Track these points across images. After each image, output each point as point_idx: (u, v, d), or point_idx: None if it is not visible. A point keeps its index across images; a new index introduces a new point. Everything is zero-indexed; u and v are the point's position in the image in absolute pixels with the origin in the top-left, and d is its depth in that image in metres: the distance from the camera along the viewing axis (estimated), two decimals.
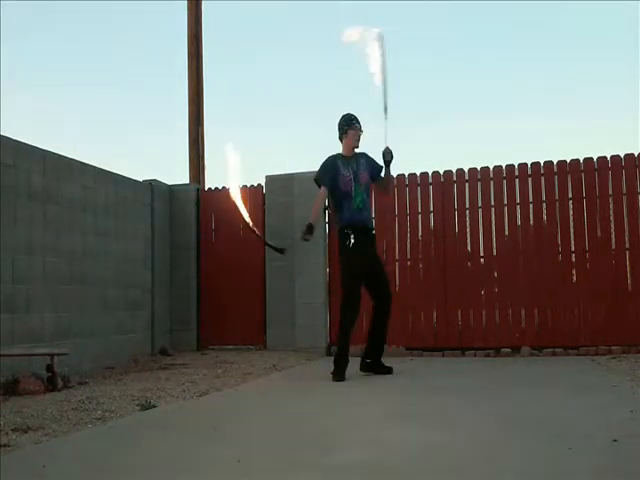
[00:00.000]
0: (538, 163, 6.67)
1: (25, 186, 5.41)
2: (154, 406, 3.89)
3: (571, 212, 6.49)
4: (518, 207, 6.65)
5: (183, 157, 8.85)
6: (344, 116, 5.16)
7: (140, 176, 7.35)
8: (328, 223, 7.12)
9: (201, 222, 7.76)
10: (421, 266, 6.92)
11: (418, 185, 6.99)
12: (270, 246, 6.00)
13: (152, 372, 5.68)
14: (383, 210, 6.96)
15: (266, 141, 16.31)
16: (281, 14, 15.75)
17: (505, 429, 2.98)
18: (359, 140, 5.15)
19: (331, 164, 5.09)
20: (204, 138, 8.88)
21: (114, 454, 2.76)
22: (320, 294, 7.07)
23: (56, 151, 5.85)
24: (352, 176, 5.04)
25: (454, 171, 6.90)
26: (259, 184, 7.55)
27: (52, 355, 4.81)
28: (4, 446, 2.89)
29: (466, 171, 6.86)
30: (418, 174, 7.01)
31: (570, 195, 6.51)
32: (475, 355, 6.36)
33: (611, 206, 6.37)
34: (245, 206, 5.74)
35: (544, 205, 6.57)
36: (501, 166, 6.77)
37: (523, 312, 6.51)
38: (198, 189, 8.00)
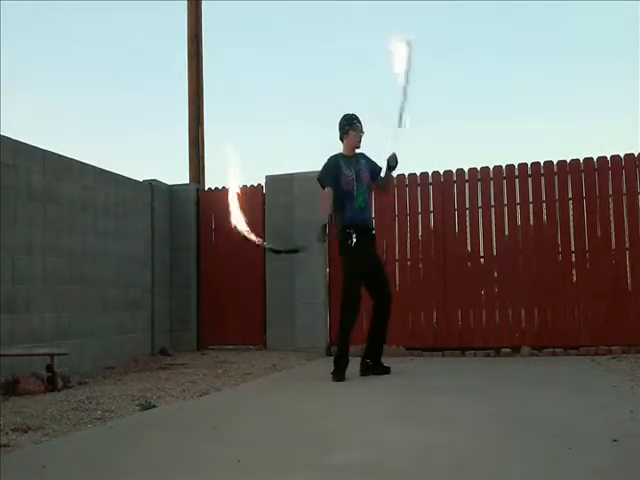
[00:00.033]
0: (538, 163, 6.67)
1: (25, 186, 5.41)
2: (154, 406, 3.89)
3: (571, 212, 6.49)
4: (518, 207, 6.65)
5: (183, 157, 8.86)
6: (346, 116, 5.16)
7: (140, 176, 7.37)
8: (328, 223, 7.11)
9: (201, 222, 7.76)
10: (421, 266, 6.92)
11: (418, 185, 6.99)
12: (280, 251, 5.97)
13: (152, 372, 5.68)
14: (383, 210, 6.96)
15: (266, 141, 16.31)
16: (281, 14, 15.75)
17: (505, 429, 2.98)
18: (360, 141, 5.16)
19: (334, 164, 5.08)
20: (204, 138, 8.88)
21: (114, 454, 2.76)
22: (320, 294, 7.07)
23: (56, 151, 5.86)
24: (354, 176, 5.04)
25: (454, 171, 6.90)
26: (259, 184, 7.55)
27: (52, 355, 4.81)
28: (4, 446, 2.89)
29: (466, 171, 6.86)
30: (418, 174, 7.01)
31: (570, 195, 6.51)
32: (475, 355, 6.36)
33: (611, 206, 6.37)
34: (243, 211, 5.66)
35: (544, 205, 6.57)
36: (501, 166, 6.77)
37: (523, 312, 6.51)
38: (198, 189, 8.01)
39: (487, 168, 6.81)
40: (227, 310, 7.44)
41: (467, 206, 6.79)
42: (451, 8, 14.45)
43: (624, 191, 6.34)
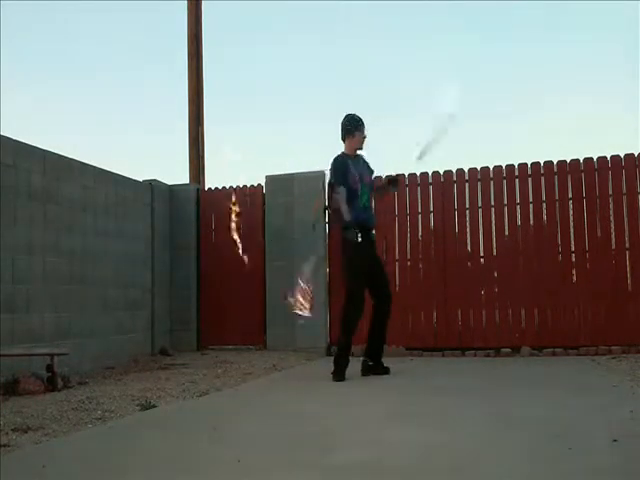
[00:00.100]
0: (538, 163, 6.67)
1: (25, 186, 5.41)
2: (154, 406, 3.90)
3: (571, 212, 6.49)
4: (518, 207, 6.65)
5: (183, 157, 8.87)
6: (351, 117, 5.16)
7: (140, 176, 7.37)
8: (328, 223, 7.12)
9: (201, 222, 7.76)
10: (421, 266, 6.92)
11: (418, 185, 6.99)
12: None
13: (152, 372, 5.68)
14: (383, 210, 6.96)
15: (266, 141, 16.30)
16: (281, 14, 15.74)
17: (505, 429, 2.98)
18: (363, 142, 5.18)
19: (344, 163, 5.10)
20: (204, 138, 8.88)
21: (114, 454, 2.76)
22: (320, 294, 7.06)
23: (56, 151, 5.86)
24: (359, 176, 5.07)
25: (454, 171, 6.90)
26: (259, 184, 7.56)
27: (52, 355, 4.81)
28: (4, 446, 2.90)
29: (466, 171, 6.86)
30: (418, 174, 7.01)
31: (570, 195, 6.51)
32: (475, 355, 6.36)
33: (611, 206, 6.37)
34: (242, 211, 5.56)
35: (544, 205, 6.57)
36: (501, 166, 6.77)
37: (523, 312, 6.51)
38: (198, 189, 8.01)
39: (487, 168, 6.81)
40: (227, 310, 7.44)
41: (467, 206, 6.79)
42: (451, 8, 14.43)
43: (624, 191, 6.34)
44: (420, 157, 4.91)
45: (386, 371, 5.06)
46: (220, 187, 7.82)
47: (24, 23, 15.80)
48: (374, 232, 5.31)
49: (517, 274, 6.57)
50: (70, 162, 6.03)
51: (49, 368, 4.74)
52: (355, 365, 5.00)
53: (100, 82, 15.87)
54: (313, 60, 16.50)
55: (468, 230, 6.77)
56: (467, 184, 6.84)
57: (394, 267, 6.86)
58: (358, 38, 16.05)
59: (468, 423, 3.14)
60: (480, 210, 6.74)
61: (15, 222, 5.26)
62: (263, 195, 7.50)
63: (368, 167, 5.24)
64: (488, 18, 14.87)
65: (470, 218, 6.77)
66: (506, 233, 6.70)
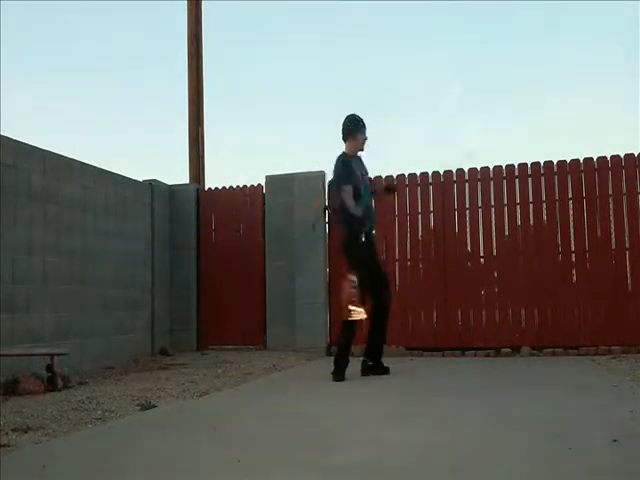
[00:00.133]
0: (538, 163, 6.67)
1: (25, 186, 5.41)
2: (154, 406, 3.90)
3: (571, 212, 6.49)
4: (518, 207, 6.65)
5: (183, 157, 8.86)
6: (354, 119, 5.16)
7: (140, 176, 7.37)
8: (328, 223, 7.12)
9: (201, 222, 7.76)
10: (421, 266, 6.92)
11: (418, 185, 6.99)
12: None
13: (152, 372, 5.68)
14: (383, 210, 6.95)
15: (266, 141, 16.30)
16: (281, 14, 15.74)
17: (505, 429, 2.98)
18: (364, 144, 5.19)
19: (348, 162, 5.11)
20: (204, 138, 8.88)
21: (114, 454, 2.76)
22: (320, 294, 7.07)
23: (56, 151, 5.86)
24: (360, 176, 5.10)
25: (454, 171, 6.90)
26: (259, 184, 7.55)
27: (52, 355, 4.81)
28: (4, 446, 2.90)
29: (466, 171, 6.86)
30: (418, 174, 7.01)
31: (570, 195, 6.51)
32: (475, 355, 6.36)
33: (611, 206, 6.37)
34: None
35: (544, 205, 6.57)
36: (501, 166, 6.77)
37: (523, 312, 6.51)
38: (198, 189, 8.01)
39: (487, 168, 6.81)
40: (227, 310, 7.44)
41: (467, 206, 6.79)
42: (451, 8, 14.43)
43: (624, 191, 6.34)
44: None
45: (386, 371, 5.06)
46: (220, 187, 7.82)
47: (24, 23, 15.79)
48: (374, 232, 5.32)
49: (517, 274, 6.57)
50: (70, 162, 6.03)
51: (49, 368, 4.74)
52: (355, 365, 5.00)
53: (100, 82, 15.88)
54: (313, 60, 16.50)
55: (468, 230, 6.77)
56: (467, 184, 6.84)
57: (394, 267, 6.86)
58: (358, 38, 16.06)
59: (468, 423, 3.14)
60: (480, 210, 6.74)
61: (15, 222, 5.26)
62: (263, 195, 7.50)
63: (366, 169, 5.27)
64: (488, 18, 14.87)
65: (470, 218, 6.77)
66: (506, 233, 6.70)
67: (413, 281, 6.89)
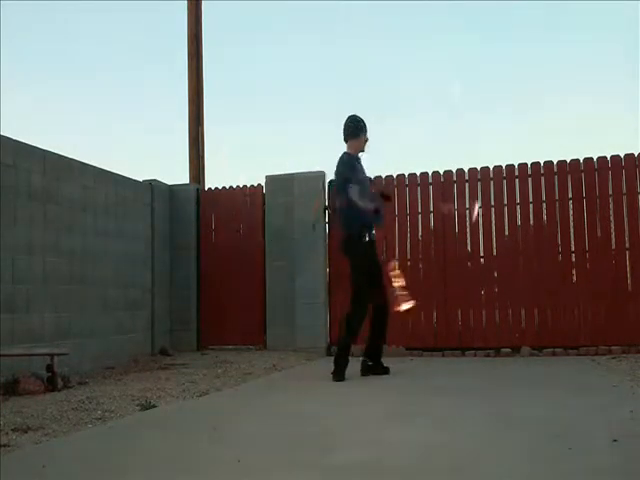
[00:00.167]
0: (538, 163, 6.67)
1: (25, 186, 5.41)
2: (154, 406, 3.90)
3: (571, 212, 6.49)
4: (518, 207, 6.65)
5: (183, 157, 8.86)
6: (356, 120, 5.17)
7: (140, 176, 7.37)
8: (328, 223, 7.12)
9: (201, 222, 7.76)
10: (421, 266, 6.92)
11: (418, 185, 6.99)
12: None
13: (152, 372, 5.68)
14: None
15: (266, 141, 16.30)
16: (281, 14, 15.74)
17: (505, 429, 2.98)
18: (365, 145, 5.21)
19: (353, 162, 5.13)
20: (204, 138, 8.88)
21: (114, 454, 2.76)
22: (320, 294, 7.07)
23: (56, 151, 5.86)
24: (362, 177, 5.12)
25: (454, 171, 6.90)
26: (259, 184, 7.55)
27: (52, 355, 4.81)
28: (4, 446, 2.90)
29: (466, 171, 6.86)
30: (418, 174, 7.01)
31: (570, 195, 6.51)
32: (475, 355, 6.36)
33: (611, 206, 6.37)
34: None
35: (544, 205, 6.57)
36: (501, 166, 6.77)
37: (523, 312, 6.51)
38: (198, 189, 8.01)
39: (487, 168, 6.81)
40: (227, 310, 7.44)
41: (467, 206, 6.79)
42: (451, 8, 14.43)
43: (624, 191, 6.34)
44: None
45: (386, 371, 5.06)
46: (220, 187, 7.82)
47: (24, 23, 15.79)
48: (374, 232, 5.32)
49: (517, 274, 6.57)
50: (70, 162, 6.03)
51: (49, 368, 4.74)
52: (355, 365, 5.00)
53: (100, 82, 15.87)
54: (313, 60, 16.50)
55: (468, 230, 6.77)
56: (467, 184, 6.84)
57: (394, 267, 6.84)
58: (358, 38, 16.05)
59: (468, 423, 3.14)
60: (480, 210, 6.74)
61: (15, 222, 5.26)
62: (263, 195, 7.50)
63: (364, 169, 5.29)
64: (488, 18, 14.86)
65: (470, 218, 6.76)
66: (506, 233, 6.70)
67: (413, 281, 6.88)
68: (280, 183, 7.39)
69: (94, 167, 6.38)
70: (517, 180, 6.69)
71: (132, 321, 6.86)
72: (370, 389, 4.51)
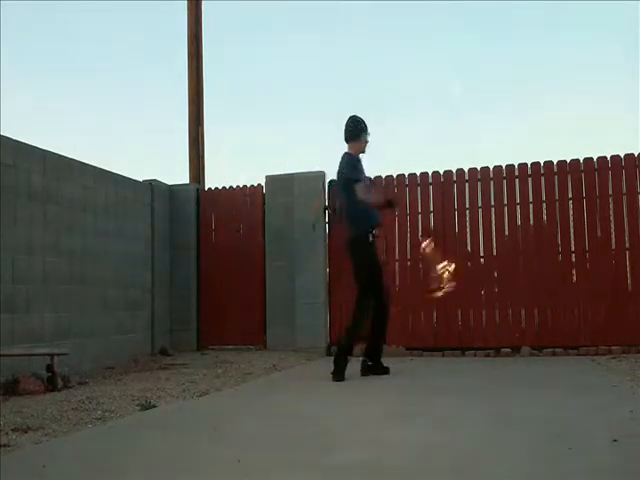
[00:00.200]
0: (538, 163, 6.67)
1: (25, 186, 5.41)
2: (154, 406, 3.90)
3: (571, 212, 6.49)
4: (518, 207, 6.65)
5: (183, 157, 8.86)
6: (359, 121, 5.18)
7: (140, 176, 7.36)
8: (328, 223, 7.12)
9: (201, 222, 7.76)
10: (421, 266, 6.91)
11: (418, 185, 6.99)
12: None
13: (152, 372, 5.68)
14: (383, 210, 6.95)
15: (266, 141, 16.31)
16: (281, 14, 15.74)
17: (505, 429, 2.98)
18: (366, 147, 5.23)
19: (357, 163, 5.15)
20: (204, 138, 8.88)
21: (114, 454, 2.76)
22: (320, 294, 7.06)
23: (56, 151, 5.86)
24: (365, 177, 5.16)
25: (454, 171, 6.90)
26: (259, 184, 7.55)
27: (52, 355, 4.81)
28: (4, 446, 2.90)
29: (466, 171, 6.86)
30: (418, 174, 7.01)
31: (570, 195, 6.51)
32: (475, 355, 6.36)
33: (611, 206, 6.37)
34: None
35: (544, 205, 6.57)
36: (501, 166, 6.77)
37: (523, 312, 6.51)
38: (198, 189, 8.01)
39: (487, 168, 6.81)
40: (227, 310, 7.44)
41: (467, 206, 6.79)
42: (451, 8, 14.43)
43: (624, 191, 6.34)
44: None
45: (386, 371, 5.06)
46: (220, 187, 7.82)
47: (24, 23, 15.79)
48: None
49: (517, 274, 6.57)
50: (70, 162, 6.03)
51: (49, 368, 4.74)
52: (355, 365, 4.99)
53: (100, 82, 15.87)
54: (313, 60, 16.50)
55: (468, 230, 6.77)
56: (467, 184, 6.83)
57: (394, 267, 6.86)
58: (358, 38, 16.05)
59: (468, 423, 3.14)
60: (480, 210, 6.74)
61: (15, 222, 5.26)
62: (263, 195, 7.49)
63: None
64: (488, 18, 14.87)
65: (470, 218, 6.77)
66: (506, 233, 6.70)
67: (413, 281, 6.89)
68: (280, 183, 7.39)
69: (94, 167, 6.38)
70: (517, 180, 6.68)
71: (132, 321, 6.86)
72: (370, 389, 4.51)
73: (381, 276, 5.16)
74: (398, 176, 7.05)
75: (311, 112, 17.44)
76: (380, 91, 15.25)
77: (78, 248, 6.01)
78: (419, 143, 15.41)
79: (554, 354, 6.13)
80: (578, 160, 6.54)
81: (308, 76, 16.45)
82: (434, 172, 6.95)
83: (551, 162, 6.63)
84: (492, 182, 6.76)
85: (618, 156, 6.43)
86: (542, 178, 6.62)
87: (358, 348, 5.27)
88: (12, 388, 4.49)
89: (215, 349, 7.33)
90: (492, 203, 6.73)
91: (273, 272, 7.26)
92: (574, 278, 6.47)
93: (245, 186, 7.63)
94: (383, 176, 7.08)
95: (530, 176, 6.66)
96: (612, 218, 6.35)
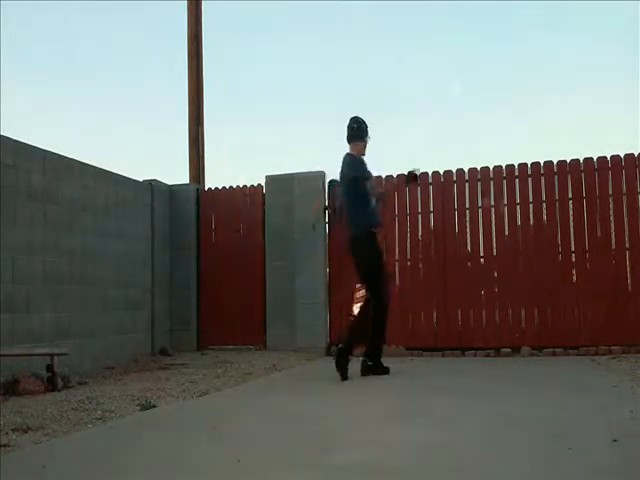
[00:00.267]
0: (538, 163, 6.67)
1: (25, 186, 5.41)
2: (154, 406, 3.90)
3: (571, 212, 6.49)
4: (518, 207, 6.65)
5: (183, 157, 8.86)
6: (362, 122, 5.20)
7: (140, 176, 7.36)
8: (328, 223, 7.12)
9: (201, 222, 7.76)
10: (421, 266, 6.92)
11: (418, 185, 6.98)
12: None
13: (152, 372, 5.68)
14: (383, 210, 6.95)
15: (266, 141, 16.31)
16: (281, 14, 15.75)
17: (505, 429, 2.98)
18: (366, 148, 5.25)
19: (365, 162, 5.18)
20: (204, 138, 8.87)
21: (114, 454, 2.76)
22: (320, 294, 7.06)
23: (56, 151, 5.86)
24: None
25: (454, 171, 6.90)
26: (259, 184, 7.55)
27: (52, 355, 4.81)
28: (4, 446, 2.90)
29: (466, 171, 6.86)
30: (418, 174, 6.99)
31: (570, 195, 6.51)
32: (475, 355, 6.36)
33: (611, 206, 6.37)
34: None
35: (544, 205, 6.57)
36: (501, 166, 6.77)
37: (523, 312, 6.51)
38: (198, 189, 8.01)
39: (487, 168, 6.81)
40: (227, 310, 7.44)
41: (467, 206, 6.79)
42: (451, 8, 14.44)
43: (624, 191, 6.34)
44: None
45: (386, 371, 5.06)
46: (220, 187, 7.82)
47: (24, 23, 15.79)
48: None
49: (517, 274, 6.57)
50: (70, 162, 6.02)
51: (49, 368, 4.74)
52: (355, 365, 4.99)
53: (100, 82, 15.87)
54: (313, 60, 16.50)
55: (468, 230, 6.77)
56: (467, 184, 6.83)
57: (394, 267, 6.85)
58: (358, 38, 16.06)
59: (468, 423, 3.14)
60: (480, 210, 6.74)
61: (15, 222, 5.26)
62: (263, 195, 7.49)
63: None
64: (488, 18, 14.87)
65: (470, 218, 6.77)
66: (506, 233, 6.70)
67: (413, 281, 6.89)
68: (280, 183, 7.39)
69: (94, 167, 6.38)
70: (517, 180, 6.68)
71: (132, 321, 6.85)
72: (370, 389, 4.51)
73: (382, 276, 5.17)
74: (398, 176, 7.04)
75: (311, 112, 17.44)
76: (380, 91, 15.26)
77: (78, 248, 6.01)
78: (419, 143, 15.42)
79: (554, 354, 6.13)
80: (578, 160, 6.54)
81: (308, 76, 16.46)
82: (434, 172, 6.95)
83: (551, 162, 6.63)
84: (492, 182, 6.76)
85: (618, 156, 6.43)
86: (542, 178, 6.62)
87: (358, 348, 5.27)
88: (12, 388, 4.49)
89: (215, 349, 7.33)
90: (492, 203, 6.72)
91: (273, 272, 7.26)
92: (574, 278, 6.47)
93: (245, 186, 7.63)
94: (383, 176, 7.07)
95: (530, 176, 6.66)
96: (612, 218, 6.35)
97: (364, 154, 5.24)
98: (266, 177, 7.50)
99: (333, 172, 5.55)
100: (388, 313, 5.15)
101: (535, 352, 6.18)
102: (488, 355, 6.31)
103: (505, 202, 6.69)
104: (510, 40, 15.65)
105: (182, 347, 7.39)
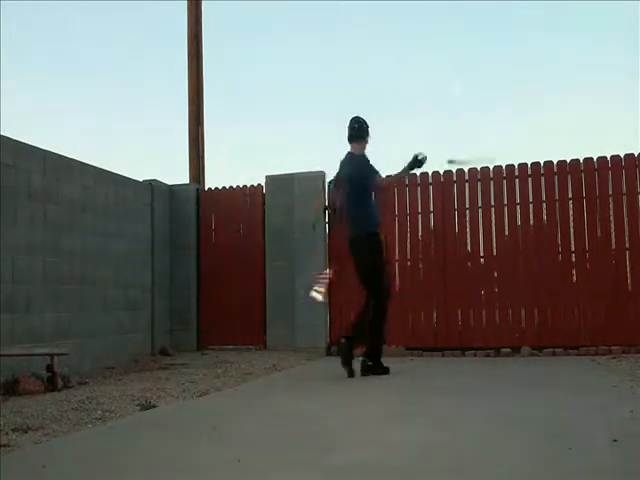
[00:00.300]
0: (538, 163, 6.67)
1: (25, 186, 5.41)
2: (154, 406, 3.90)
3: (571, 212, 6.49)
4: (518, 207, 6.65)
5: (183, 157, 8.86)
6: (363, 122, 5.21)
7: (140, 176, 7.37)
8: (328, 223, 7.12)
9: (201, 222, 7.76)
10: (421, 266, 6.92)
11: (418, 185, 6.98)
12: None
13: (152, 372, 5.68)
14: (383, 210, 6.95)
15: (266, 141, 16.31)
16: (281, 14, 15.74)
17: (505, 429, 2.98)
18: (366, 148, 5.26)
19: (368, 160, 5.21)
20: (204, 138, 8.87)
21: (114, 454, 2.76)
22: None
23: (56, 151, 5.86)
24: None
25: (454, 171, 6.89)
26: (259, 184, 7.55)
27: (52, 355, 4.81)
28: (4, 446, 2.89)
29: (466, 171, 6.86)
30: (418, 174, 6.99)
31: (570, 195, 6.51)
32: (475, 355, 6.36)
33: (611, 206, 6.37)
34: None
35: (544, 205, 6.57)
36: (501, 166, 6.77)
37: (523, 312, 6.51)
38: (198, 189, 8.01)
39: (487, 168, 6.81)
40: (227, 310, 7.44)
41: (467, 206, 6.79)
42: (451, 8, 14.43)
43: (624, 191, 6.34)
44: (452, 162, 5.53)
45: (386, 371, 5.06)
46: (220, 187, 7.82)
47: (24, 23, 15.79)
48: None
49: (517, 274, 6.57)
50: (70, 162, 6.03)
51: (49, 368, 4.74)
52: (355, 365, 4.99)
53: (100, 82, 15.87)
54: (313, 60, 16.50)
55: (468, 230, 6.77)
56: (467, 184, 6.83)
57: (394, 267, 6.85)
58: (358, 38, 16.05)
59: (468, 423, 3.14)
60: (480, 210, 6.74)
61: (15, 222, 5.26)
62: (263, 195, 7.50)
63: None
64: (488, 18, 14.87)
65: (470, 218, 6.77)
66: (506, 233, 6.70)
67: (413, 281, 6.89)
68: (280, 183, 7.39)
69: (94, 167, 6.38)
70: (517, 180, 6.68)
71: (132, 321, 6.86)
72: (370, 389, 4.51)
73: (382, 276, 5.17)
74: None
75: (311, 112, 17.44)
76: (380, 91, 15.26)
77: (78, 248, 6.01)
78: (419, 143, 15.41)
79: (554, 354, 6.13)
80: (578, 160, 6.54)
81: (308, 76, 16.46)
82: (434, 172, 6.95)
83: (551, 162, 6.63)
84: (492, 182, 6.76)
85: (618, 156, 6.43)
86: (542, 178, 6.62)
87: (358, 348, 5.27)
88: (12, 388, 4.49)
89: (215, 349, 7.33)
90: (492, 203, 6.72)
91: (273, 272, 7.26)
92: (574, 278, 6.47)
93: (245, 186, 7.63)
94: (383, 176, 7.06)
95: (530, 176, 6.66)
96: (612, 218, 6.35)
97: (363, 154, 5.24)
98: (266, 177, 7.51)
99: (333, 172, 5.55)
100: (387, 313, 5.15)
101: (535, 352, 6.19)
102: (488, 355, 6.31)
103: (505, 202, 6.69)
104: (510, 40, 15.65)
105: (182, 347, 7.40)
